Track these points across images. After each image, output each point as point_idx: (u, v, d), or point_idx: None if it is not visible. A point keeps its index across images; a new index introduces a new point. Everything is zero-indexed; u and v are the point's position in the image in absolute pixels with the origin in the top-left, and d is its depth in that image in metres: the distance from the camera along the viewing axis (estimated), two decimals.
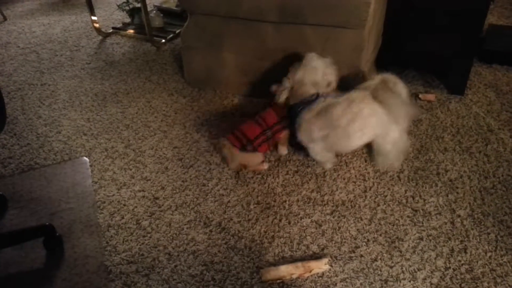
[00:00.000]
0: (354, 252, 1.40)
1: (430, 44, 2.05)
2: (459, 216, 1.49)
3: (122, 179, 1.74)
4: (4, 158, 1.89)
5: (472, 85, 2.18)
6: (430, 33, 2.02)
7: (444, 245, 1.40)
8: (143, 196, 1.66)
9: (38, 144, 1.98)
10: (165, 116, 2.11)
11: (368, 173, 1.70)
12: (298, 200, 1.60)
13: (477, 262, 1.34)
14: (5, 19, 3.41)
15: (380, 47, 2.15)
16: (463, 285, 1.28)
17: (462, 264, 1.33)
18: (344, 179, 1.68)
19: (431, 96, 2.09)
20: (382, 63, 2.17)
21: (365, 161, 1.75)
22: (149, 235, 1.50)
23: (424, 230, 1.45)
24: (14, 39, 3.05)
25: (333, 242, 1.43)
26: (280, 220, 1.52)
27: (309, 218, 1.52)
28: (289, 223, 1.51)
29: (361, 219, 1.50)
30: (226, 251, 1.43)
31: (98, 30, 3.00)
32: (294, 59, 1.96)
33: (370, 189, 1.62)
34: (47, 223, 1.48)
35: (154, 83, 2.40)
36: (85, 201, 1.65)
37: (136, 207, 1.61)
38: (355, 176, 1.69)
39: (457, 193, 1.58)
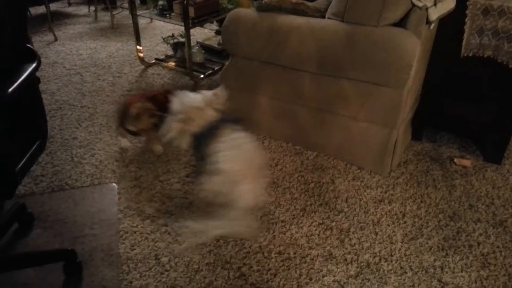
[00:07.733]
0: None
1: (468, 110, 2.03)
2: None
3: (148, 211, 1.75)
4: (37, 176, 1.94)
5: (510, 155, 2.12)
6: (469, 100, 2.00)
7: None
8: (165, 231, 1.65)
9: (71, 165, 2.02)
10: None
11: (396, 235, 1.65)
12: (320, 255, 1.56)
13: None
14: (56, 39, 3.59)
15: (417, 107, 2.14)
16: None
17: None
18: (369, 238, 1.63)
19: (467, 162, 2.04)
20: (418, 123, 2.16)
21: (393, 223, 1.71)
22: (166, 273, 1.48)
23: None
24: (61, 59, 3.20)
25: None
26: (300, 275, 1.48)
27: (331, 276, 1.47)
28: (310, 279, 1.46)
29: (386, 284, 1.45)
30: None
31: (141, 59, 3.12)
32: (327, 110, 1.97)
33: (396, 253, 1.57)
34: (69, 248, 1.49)
35: None
36: (109, 229, 1.66)
37: (157, 241, 1.61)
38: (382, 237, 1.64)
39: (489, 270, 1.51)
